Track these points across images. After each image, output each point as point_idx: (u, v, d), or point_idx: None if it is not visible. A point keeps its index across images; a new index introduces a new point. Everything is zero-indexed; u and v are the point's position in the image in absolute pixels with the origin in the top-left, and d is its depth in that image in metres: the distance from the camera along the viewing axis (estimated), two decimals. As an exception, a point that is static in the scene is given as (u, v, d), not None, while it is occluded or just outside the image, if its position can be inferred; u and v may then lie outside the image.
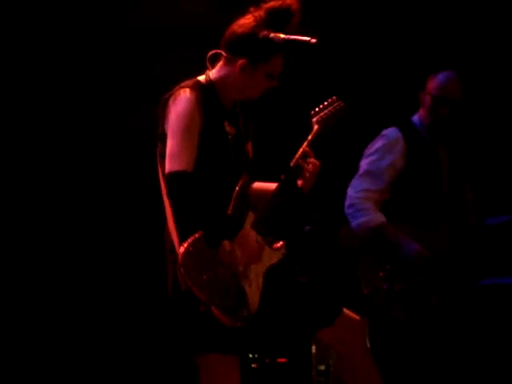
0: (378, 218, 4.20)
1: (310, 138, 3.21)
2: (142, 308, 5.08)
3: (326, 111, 3.27)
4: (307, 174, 3.14)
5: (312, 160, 3.15)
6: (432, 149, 4.36)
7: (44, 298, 5.00)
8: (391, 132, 4.34)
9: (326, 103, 3.29)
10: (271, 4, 3.06)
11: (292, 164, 3.14)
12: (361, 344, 3.27)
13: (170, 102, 3.04)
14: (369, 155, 4.32)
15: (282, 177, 3.15)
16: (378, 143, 4.33)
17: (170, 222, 3.07)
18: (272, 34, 3.02)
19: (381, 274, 4.16)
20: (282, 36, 3.01)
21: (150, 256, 4.31)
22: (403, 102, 4.64)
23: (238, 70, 3.09)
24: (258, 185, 3.26)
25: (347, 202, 4.26)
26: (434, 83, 4.33)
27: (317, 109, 3.27)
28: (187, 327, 3.07)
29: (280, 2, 3.05)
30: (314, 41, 2.96)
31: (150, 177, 3.20)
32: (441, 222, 4.28)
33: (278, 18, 3.05)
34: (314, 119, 3.25)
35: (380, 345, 4.22)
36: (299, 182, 3.15)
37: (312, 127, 3.24)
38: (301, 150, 3.17)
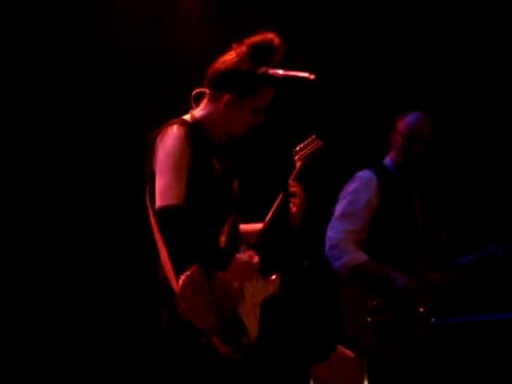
0: (362, 255, 4.26)
1: (294, 173, 3.29)
2: (137, 341, 5.09)
3: (306, 149, 3.36)
4: (294, 208, 3.20)
5: (298, 193, 3.22)
6: (404, 189, 4.44)
7: (37, 312, 5.02)
8: (365, 173, 4.42)
9: (306, 142, 3.38)
10: (253, 39, 3.11)
11: (279, 199, 3.20)
12: (356, 381, 3.29)
13: (158, 139, 3.06)
14: (344, 197, 4.39)
15: (270, 212, 3.20)
16: (352, 185, 4.41)
17: (163, 257, 3.09)
18: (271, 71, 3.06)
19: (364, 310, 4.20)
20: (281, 72, 3.04)
21: (145, 288, 4.33)
22: (373, 145, 4.73)
23: (223, 105, 3.13)
24: (245, 226, 3.31)
25: (328, 244, 4.31)
26: (404, 123, 4.42)
27: (298, 147, 3.36)
28: (185, 360, 3.09)
29: (262, 38, 3.10)
30: (312, 77, 2.98)
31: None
32: (417, 260, 4.33)
33: (260, 53, 3.09)
34: (297, 157, 3.34)
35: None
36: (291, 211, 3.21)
37: (295, 164, 3.33)
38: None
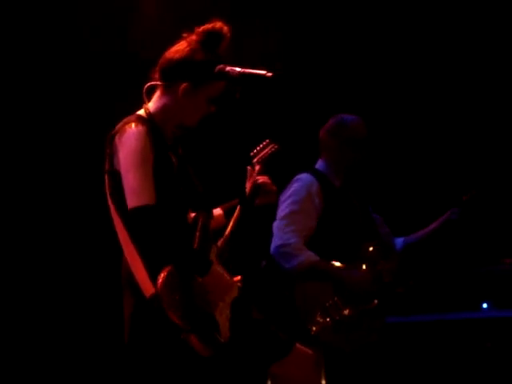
0: (314, 256, 4.26)
1: (256, 173, 3.46)
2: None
3: (263, 152, 3.51)
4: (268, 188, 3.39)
5: (267, 182, 3.42)
6: (343, 191, 4.48)
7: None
8: (305, 176, 4.44)
9: (261, 145, 3.52)
10: (203, 28, 3.15)
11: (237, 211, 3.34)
12: (315, 378, 3.33)
13: (117, 138, 3.05)
14: (287, 198, 4.38)
15: (230, 223, 3.33)
16: (294, 186, 4.41)
17: (128, 254, 3.07)
18: (228, 68, 3.06)
19: (322, 310, 4.22)
20: (238, 69, 3.03)
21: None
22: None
23: (180, 94, 3.13)
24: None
25: (278, 242, 4.29)
26: (341, 126, 4.44)
27: (254, 150, 3.50)
28: (157, 357, 3.07)
29: (211, 25, 3.14)
30: (270, 74, 2.96)
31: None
32: (360, 252, 4.39)
33: (210, 41, 3.13)
34: (255, 160, 3.48)
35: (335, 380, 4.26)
36: (258, 200, 3.37)
37: (254, 167, 3.48)
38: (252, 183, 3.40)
